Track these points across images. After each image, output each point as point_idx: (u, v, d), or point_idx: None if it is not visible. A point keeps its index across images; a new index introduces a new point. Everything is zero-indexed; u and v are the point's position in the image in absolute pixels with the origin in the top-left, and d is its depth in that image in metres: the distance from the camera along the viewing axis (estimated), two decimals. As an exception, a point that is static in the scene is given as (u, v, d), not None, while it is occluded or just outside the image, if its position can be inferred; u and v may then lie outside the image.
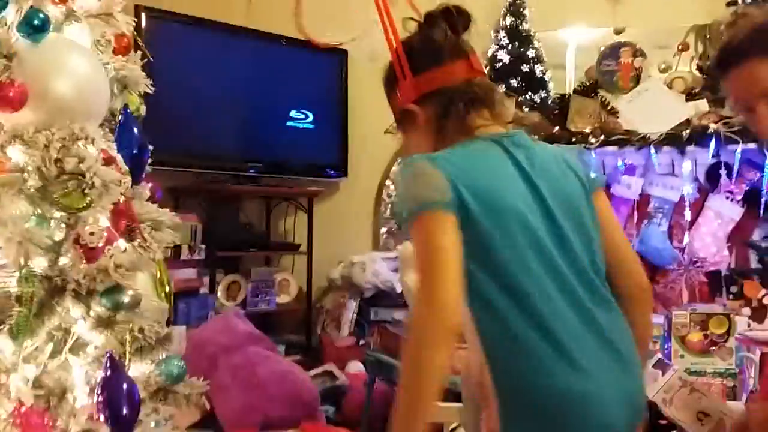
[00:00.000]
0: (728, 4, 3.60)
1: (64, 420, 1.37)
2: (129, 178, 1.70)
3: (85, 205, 1.47)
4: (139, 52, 1.89)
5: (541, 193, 1.35)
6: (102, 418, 1.41)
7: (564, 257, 1.33)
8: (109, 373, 1.45)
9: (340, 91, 4.20)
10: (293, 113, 4.06)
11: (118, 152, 1.74)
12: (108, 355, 1.46)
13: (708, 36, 3.81)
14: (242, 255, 3.95)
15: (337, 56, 4.17)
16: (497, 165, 1.37)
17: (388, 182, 4.18)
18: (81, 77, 1.69)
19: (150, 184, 1.94)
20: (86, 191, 1.46)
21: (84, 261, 1.50)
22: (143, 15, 3.51)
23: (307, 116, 4.11)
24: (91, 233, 1.45)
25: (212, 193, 3.79)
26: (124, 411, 1.40)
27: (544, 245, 1.31)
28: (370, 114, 4.05)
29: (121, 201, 1.56)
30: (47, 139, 1.51)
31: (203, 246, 3.57)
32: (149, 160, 1.89)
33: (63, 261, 1.53)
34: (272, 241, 4.10)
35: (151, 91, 1.95)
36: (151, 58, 2.10)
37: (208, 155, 3.76)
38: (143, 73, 1.90)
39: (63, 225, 1.50)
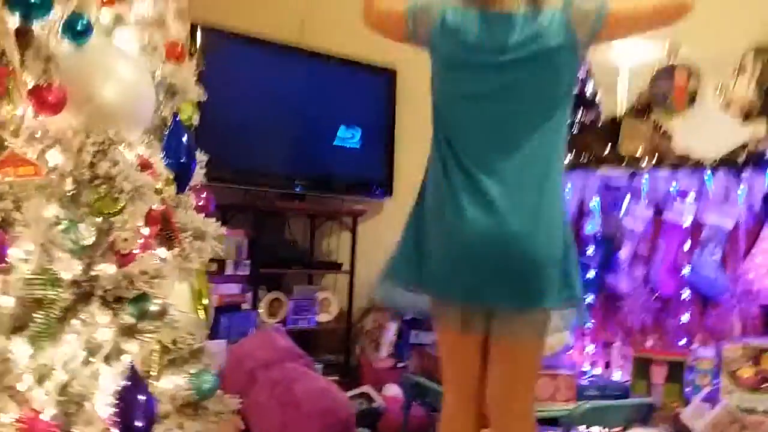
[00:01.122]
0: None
1: (80, 429, 1.31)
2: (172, 186, 1.66)
3: (116, 210, 1.43)
4: (193, 61, 1.87)
5: None
6: (115, 428, 1.36)
7: None
8: (127, 383, 1.40)
9: (388, 110, 4.18)
10: (341, 132, 4.05)
11: (165, 160, 1.70)
12: (130, 365, 1.40)
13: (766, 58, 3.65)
14: (286, 272, 3.91)
15: (386, 75, 4.14)
16: None
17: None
18: (124, 83, 1.67)
19: (204, 194, 1.90)
20: (118, 196, 1.42)
21: (118, 267, 1.46)
22: (198, 30, 3.53)
23: (354, 135, 4.08)
24: (125, 239, 1.41)
25: (259, 209, 3.78)
26: (138, 423, 1.35)
27: None
28: (416, 134, 3.97)
29: (156, 207, 1.52)
30: (81, 143, 1.49)
31: (248, 262, 3.55)
32: (204, 172, 1.86)
33: (98, 267, 1.49)
34: (315, 260, 4.06)
35: (203, 99, 1.93)
36: (204, 68, 2.08)
37: (257, 172, 3.77)
38: (195, 82, 1.88)
39: (94, 230, 1.46)
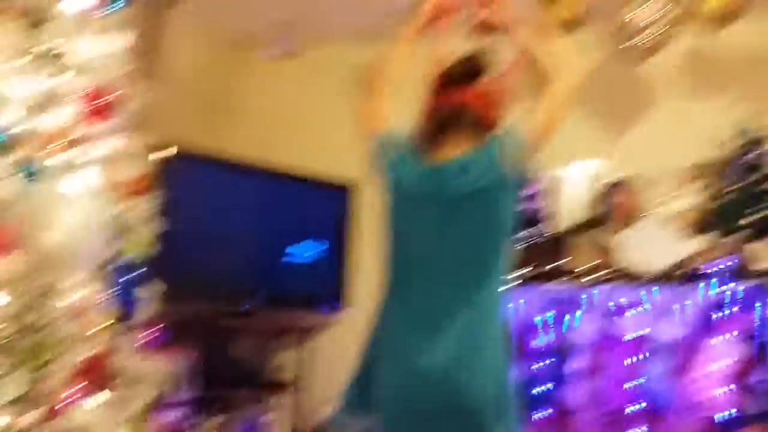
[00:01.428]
0: (725, 146, 3.63)
1: None
2: (114, 327, 1.65)
3: (46, 361, 1.42)
4: (153, 194, 1.89)
5: None
6: None
7: None
8: None
9: (343, 225, 4.22)
10: (295, 247, 4.06)
11: (110, 298, 1.70)
12: None
13: (706, 174, 3.81)
14: (232, 393, 3.82)
15: (342, 192, 4.21)
16: None
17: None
18: (73, 226, 1.69)
19: (153, 329, 1.88)
20: (49, 346, 1.42)
21: (47, 419, 1.44)
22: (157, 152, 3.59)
23: (308, 250, 4.10)
24: (50, 392, 1.39)
25: (208, 328, 3.71)
26: None
27: None
28: (369, 248, 4.05)
29: (90, 355, 1.50)
30: (22, 290, 1.49)
31: (193, 384, 3.46)
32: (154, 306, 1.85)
33: (28, 418, 1.46)
34: (264, 379, 3.98)
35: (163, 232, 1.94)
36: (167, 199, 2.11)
37: (208, 289, 3.73)
38: (157, 214, 1.90)
39: (24, 380, 1.44)
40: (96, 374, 1.55)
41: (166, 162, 3.59)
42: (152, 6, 3.60)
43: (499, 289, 1.76)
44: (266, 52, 3.86)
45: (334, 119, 4.29)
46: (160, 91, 3.65)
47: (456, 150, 1.79)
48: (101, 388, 1.56)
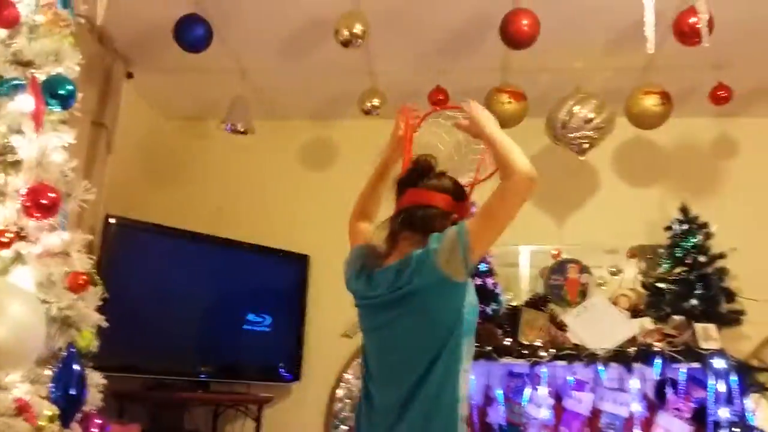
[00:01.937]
0: (666, 229, 3.81)
1: None
2: (55, 422, 1.60)
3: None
4: (96, 288, 1.88)
5: None
6: None
7: None
8: None
9: (299, 295, 4.19)
10: (251, 317, 4.02)
11: (53, 393, 1.66)
12: None
13: (649, 256, 3.97)
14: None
15: (298, 262, 4.21)
16: None
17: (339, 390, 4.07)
18: (13, 322, 1.66)
19: (98, 421, 1.84)
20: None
21: None
22: (111, 222, 3.56)
23: (264, 320, 4.06)
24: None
25: (158, 399, 3.61)
26: None
27: None
28: (326, 318, 4.04)
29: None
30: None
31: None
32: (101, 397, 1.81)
33: None
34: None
35: (104, 326, 1.93)
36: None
37: (160, 360, 3.65)
38: (93, 311, 1.89)
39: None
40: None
41: (120, 232, 3.56)
42: (106, 83, 3.64)
43: (449, 377, 1.75)
44: (221, 126, 3.92)
45: (286, 192, 4.36)
46: (116, 165, 3.70)
47: (401, 255, 1.85)
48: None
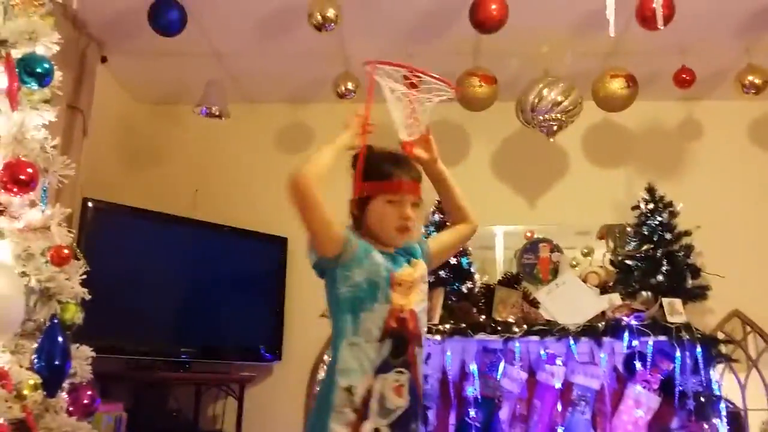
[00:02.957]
0: (633, 208, 3.88)
1: None
2: (38, 391, 1.60)
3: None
4: (79, 262, 1.88)
5: None
6: None
7: None
8: None
9: (278, 276, 4.20)
10: (231, 298, 4.01)
11: (36, 363, 1.66)
12: None
13: (617, 235, 4.04)
14: (167, 447, 3.70)
15: (277, 243, 4.21)
16: None
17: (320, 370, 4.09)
18: None
19: (89, 392, 1.84)
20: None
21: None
22: (89, 205, 3.53)
23: (244, 301, 4.06)
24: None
25: (141, 380, 3.61)
26: None
27: None
28: (306, 299, 4.05)
29: (20, 418, 1.45)
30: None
31: (129, 438, 3.34)
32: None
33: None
34: (200, 430, 3.87)
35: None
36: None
37: (142, 341, 3.64)
38: (77, 284, 1.88)
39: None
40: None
41: (98, 215, 3.55)
42: (81, 67, 3.60)
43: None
44: (196, 109, 3.90)
45: (264, 175, 4.35)
46: (92, 149, 3.67)
47: None
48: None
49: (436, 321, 3.54)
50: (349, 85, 3.90)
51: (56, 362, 1.66)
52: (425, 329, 1.93)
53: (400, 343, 1.81)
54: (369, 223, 1.94)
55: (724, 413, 3.40)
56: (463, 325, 3.56)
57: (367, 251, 1.87)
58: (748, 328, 4.03)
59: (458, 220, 2.09)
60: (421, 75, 1.91)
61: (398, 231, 1.91)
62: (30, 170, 1.79)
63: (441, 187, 2.05)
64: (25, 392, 1.56)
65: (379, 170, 1.94)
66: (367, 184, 1.93)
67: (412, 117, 1.95)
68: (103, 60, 3.87)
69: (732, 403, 3.57)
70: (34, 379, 1.59)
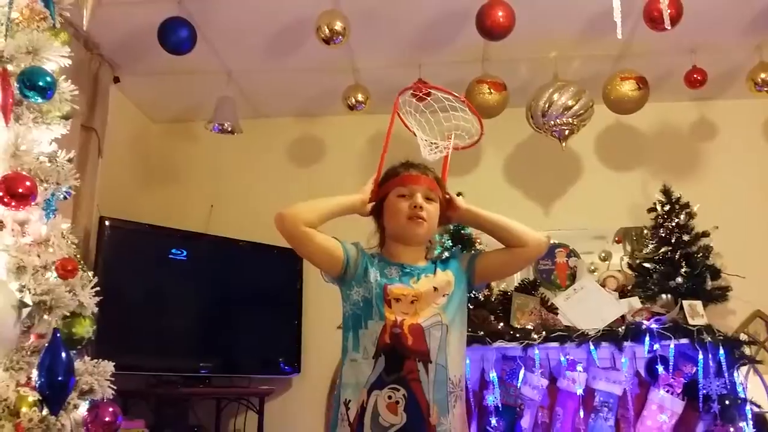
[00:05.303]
0: (649, 210, 3.80)
1: None
2: (34, 408, 1.55)
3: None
4: (86, 274, 1.83)
5: None
6: None
7: None
8: None
9: (295, 289, 4.15)
10: (248, 312, 3.97)
11: (37, 380, 1.60)
12: None
13: (634, 237, 3.96)
14: (189, 463, 3.66)
15: (293, 256, 4.13)
16: None
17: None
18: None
19: (110, 409, 1.78)
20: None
21: None
22: (106, 224, 3.52)
23: (262, 314, 4.02)
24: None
25: (161, 396, 3.57)
26: None
27: None
28: (323, 311, 4.00)
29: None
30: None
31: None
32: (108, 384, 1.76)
33: None
34: (221, 444, 3.83)
35: (95, 312, 1.88)
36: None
37: (161, 357, 3.60)
38: (86, 297, 1.83)
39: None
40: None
41: (115, 234, 3.53)
42: (94, 88, 3.59)
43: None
44: (208, 126, 3.89)
45: (276, 189, 4.32)
46: (107, 168, 3.66)
47: None
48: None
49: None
50: (359, 97, 3.86)
51: (59, 378, 1.60)
52: (440, 344, 1.81)
53: (394, 359, 1.75)
54: (387, 224, 1.97)
55: (749, 416, 3.29)
56: (482, 333, 3.49)
57: (367, 269, 1.88)
58: (771, 329, 3.93)
59: (515, 246, 2.00)
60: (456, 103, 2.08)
61: (409, 220, 1.91)
62: (28, 183, 1.75)
63: (483, 228, 2.04)
64: (23, 410, 1.51)
65: (391, 172, 2.02)
66: (381, 188, 2.01)
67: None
68: (116, 80, 3.87)
69: (758, 405, 3.46)
70: (33, 396, 1.53)
